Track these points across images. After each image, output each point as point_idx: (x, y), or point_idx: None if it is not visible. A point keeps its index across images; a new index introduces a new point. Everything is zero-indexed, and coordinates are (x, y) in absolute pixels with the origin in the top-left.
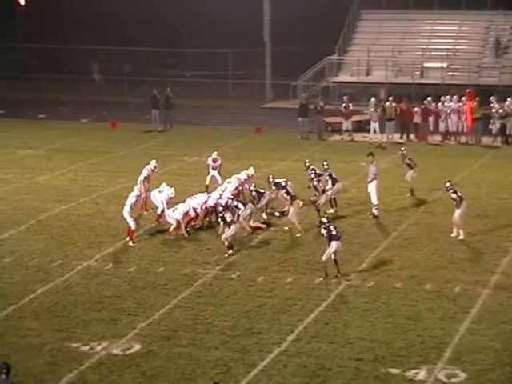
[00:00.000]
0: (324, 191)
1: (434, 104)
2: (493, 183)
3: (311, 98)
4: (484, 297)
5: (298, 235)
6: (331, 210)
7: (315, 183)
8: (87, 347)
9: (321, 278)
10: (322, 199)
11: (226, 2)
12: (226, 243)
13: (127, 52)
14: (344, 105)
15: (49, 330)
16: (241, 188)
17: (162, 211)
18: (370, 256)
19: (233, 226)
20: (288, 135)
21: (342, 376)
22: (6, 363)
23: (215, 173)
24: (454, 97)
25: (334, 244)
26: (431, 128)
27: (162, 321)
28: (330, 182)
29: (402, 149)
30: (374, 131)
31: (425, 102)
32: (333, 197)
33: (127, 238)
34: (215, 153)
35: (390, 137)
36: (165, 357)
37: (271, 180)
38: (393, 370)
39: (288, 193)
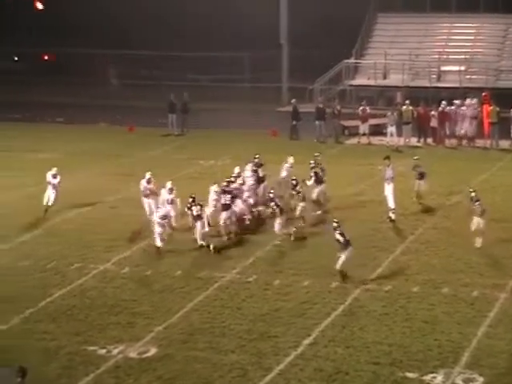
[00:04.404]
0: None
1: (450, 107)
2: (510, 187)
3: (327, 101)
4: (502, 301)
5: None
6: (318, 212)
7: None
8: (104, 350)
9: (337, 282)
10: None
11: (243, 4)
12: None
13: (144, 56)
14: (361, 108)
15: (65, 334)
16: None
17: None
18: (386, 260)
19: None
20: (304, 138)
21: (359, 380)
22: (22, 367)
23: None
24: (468, 100)
25: (348, 249)
26: (448, 132)
27: (179, 324)
28: (313, 179)
29: (415, 157)
30: (391, 134)
31: (441, 105)
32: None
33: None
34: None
35: (407, 140)
36: (181, 360)
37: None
38: (410, 374)
39: (277, 205)
